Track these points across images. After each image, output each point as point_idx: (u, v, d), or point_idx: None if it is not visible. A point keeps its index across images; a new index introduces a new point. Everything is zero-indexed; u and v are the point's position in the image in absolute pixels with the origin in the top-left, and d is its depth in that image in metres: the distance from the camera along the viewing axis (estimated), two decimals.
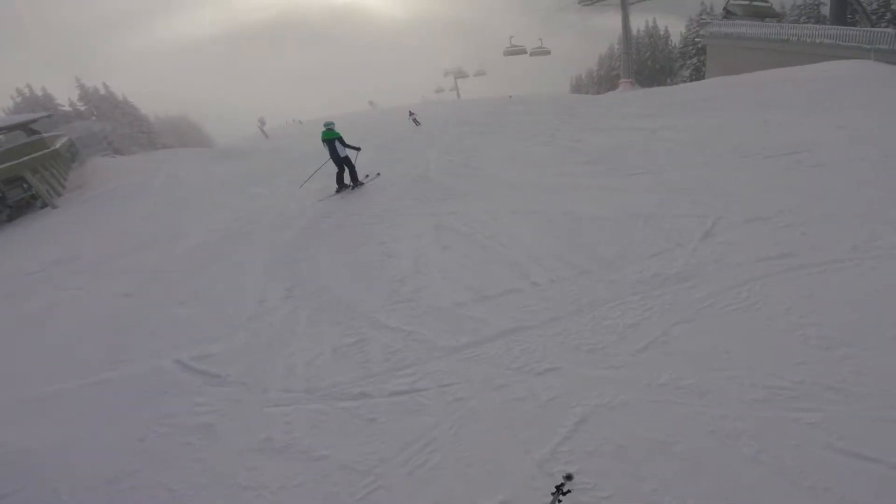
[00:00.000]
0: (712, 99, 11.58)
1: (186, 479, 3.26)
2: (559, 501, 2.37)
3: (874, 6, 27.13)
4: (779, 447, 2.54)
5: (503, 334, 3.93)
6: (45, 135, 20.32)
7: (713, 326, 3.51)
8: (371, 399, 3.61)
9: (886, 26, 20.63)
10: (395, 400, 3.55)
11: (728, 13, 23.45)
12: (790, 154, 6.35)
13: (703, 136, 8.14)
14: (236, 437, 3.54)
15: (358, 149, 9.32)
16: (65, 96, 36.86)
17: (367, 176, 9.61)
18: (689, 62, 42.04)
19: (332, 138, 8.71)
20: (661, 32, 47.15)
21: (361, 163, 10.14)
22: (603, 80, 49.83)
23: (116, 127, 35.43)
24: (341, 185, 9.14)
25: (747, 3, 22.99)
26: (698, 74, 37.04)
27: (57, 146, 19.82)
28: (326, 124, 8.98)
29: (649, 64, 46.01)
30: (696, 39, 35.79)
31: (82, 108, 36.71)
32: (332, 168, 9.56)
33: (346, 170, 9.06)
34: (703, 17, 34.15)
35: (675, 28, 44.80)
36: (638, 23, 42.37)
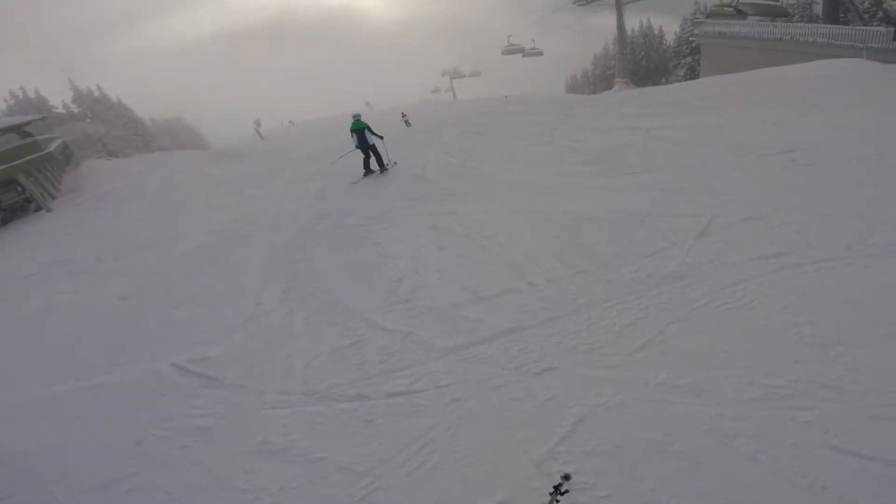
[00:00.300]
0: (708, 98, 11.63)
1: (184, 481, 3.26)
2: (557, 501, 2.37)
3: (866, 5, 27.29)
4: (776, 446, 2.56)
5: (501, 334, 3.94)
6: (38, 137, 20.17)
7: (709, 325, 3.53)
8: (368, 401, 3.61)
9: (878, 25, 20.76)
10: (392, 401, 3.55)
11: (738, 12, 23.44)
12: (786, 153, 6.38)
13: (699, 135, 8.17)
14: (234, 440, 3.53)
15: (381, 137, 10.02)
16: (58, 98, 36.61)
17: (393, 162, 10.41)
18: (683, 61, 42.14)
19: (360, 128, 9.53)
20: (656, 32, 47.30)
21: (355, 162, 10.48)
22: (598, 80, 49.91)
23: (111, 129, 35.17)
24: (368, 170, 9.96)
25: (758, 2, 22.96)
26: (693, 74, 37.05)
27: (51, 149, 19.69)
28: (354, 116, 9.80)
29: (644, 63, 46.11)
30: (691, 39, 35.86)
31: (76, 111, 36.41)
32: (324, 167, 9.64)
33: (373, 156, 9.86)
34: (697, 16, 34.28)
35: (670, 28, 44.94)
36: (632, 22, 42.44)
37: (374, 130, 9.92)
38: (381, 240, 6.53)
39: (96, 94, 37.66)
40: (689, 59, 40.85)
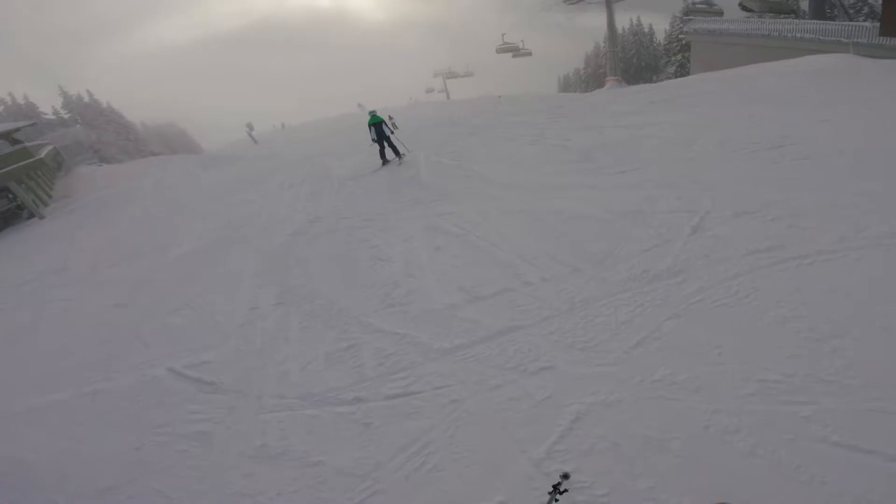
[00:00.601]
0: (697, 95, 11.68)
1: (183, 486, 3.26)
2: (556, 501, 2.36)
3: (852, 0, 27.63)
4: (775, 441, 2.56)
5: (497, 335, 3.94)
6: (28, 144, 20.02)
7: (704, 321, 3.53)
8: (366, 403, 3.61)
9: (864, 20, 21.00)
10: (390, 404, 3.55)
11: (744, 8, 23.59)
12: (776, 148, 6.42)
13: (689, 131, 8.20)
14: (232, 445, 3.53)
15: (395, 128, 11.41)
16: (48, 104, 36.35)
17: (405, 153, 11.24)
18: (673, 59, 42.38)
19: (378, 122, 10.65)
20: (646, 30, 47.60)
21: (355, 164, 11.09)
22: (590, 79, 50.13)
23: (102, 135, 34.91)
24: (385, 160, 10.92)
25: None
26: (683, 71, 37.23)
27: (41, 155, 19.54)
28: (371, 112, 11.11)
29: (635, 62, 46.38)
30: (680, 36, 36.03)
31: (66, 116, 36.12)
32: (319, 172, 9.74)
33: (389, 147, 10.95)
34: (687, 14, 34.48)
35: (659, 25, 45.23)
36: (623, 21, 42.70)
37: (369, 130, 10.83)
38: (376, 242, 6.51)
39: (86, 99, 37.37)
40: (679, 57, 41.08)
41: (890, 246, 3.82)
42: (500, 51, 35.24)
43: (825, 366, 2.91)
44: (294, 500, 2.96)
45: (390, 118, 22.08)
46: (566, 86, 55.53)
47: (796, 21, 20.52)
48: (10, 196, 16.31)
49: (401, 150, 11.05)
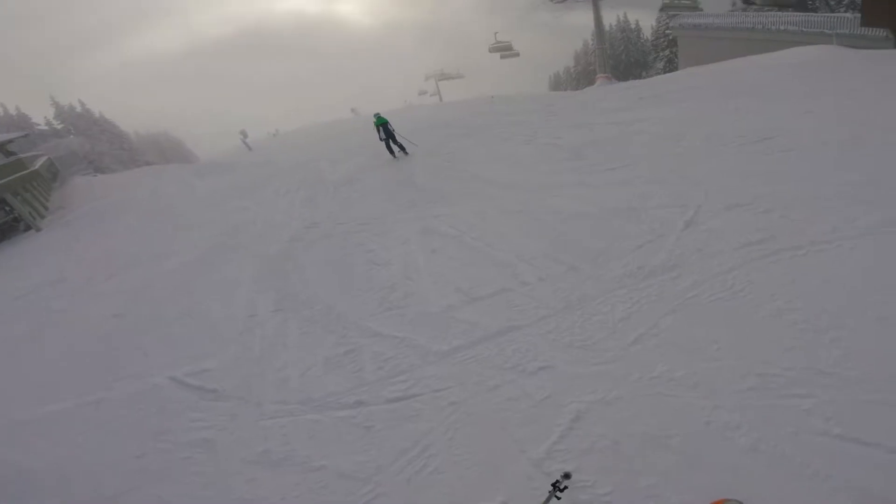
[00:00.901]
0: (685, 90, 11.74)
1: (187, 493, 3.27)
2: (558, 498, 2.37)
3: None
4: (776, 436, 2.56)
5: (495, 335, 3.95)
6: (23, 155, 19.85)
7: (701, 316, 3.55)
8: (366, 407, 3.62)
9: (845, 11, 21.03)
10: (390, 407, 3.55)
11: (747, 4, 23.65)
12: (764, 140, 6.46)
13: (678, 126, 8.24)
14: (235, 451, 3.54)
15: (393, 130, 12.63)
16: (40, 115, 36.04)
17: (405, 150, 12.41)
18: (661, 54, 42.39)
19: (384, 122, 12.19)
20: (633, 26, 47.73)
21: (349, 168, 11.74)
22: (581, 77, 50.15)
23: (96, 144, 34.71)
24: (392, 153, 12.34)
25: None
26: (671, 66, 37.18)
27: (36, 166, 19.38)
28: (376, 115, 12.58)
29: (623, 58, 46.48)
30: (667, 32, 36.07)
31: (59, 127, 35.88)
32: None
33: (394, 143, 12.35)
34: (663, 9, 34.40)
35: (646, 21, 45.29)
36: (609, 18, 42.77)
37: (362, 134, 12.05)
38: (372, 246, 6.51)
39: (79, 109, 37.16)
40: (667, 52, 41.10)
41: (880, 235, 3.85)
42: (493, 50, 35.28)
43: (823, 358, 2.91)
44: None
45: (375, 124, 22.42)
46: (557, 84, 55.58)
47: (780, 13, 20.58)
48: (7, 208, 16.10)
49: (405, 145, 12.49)
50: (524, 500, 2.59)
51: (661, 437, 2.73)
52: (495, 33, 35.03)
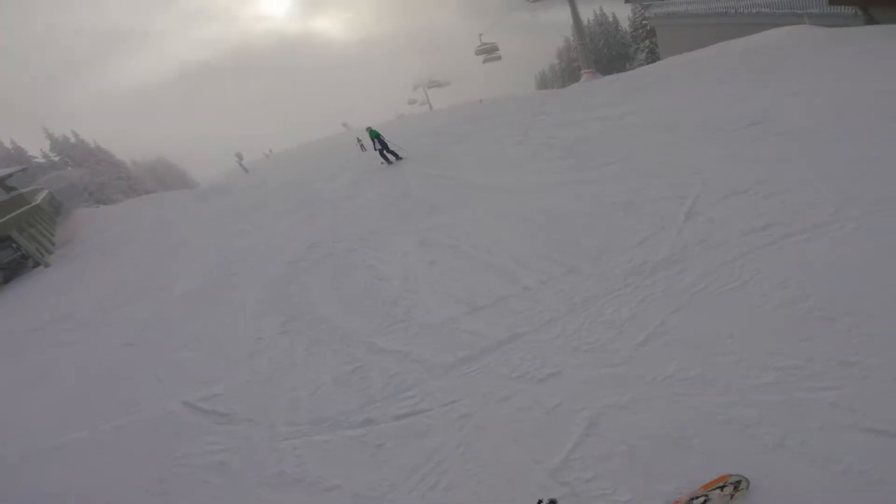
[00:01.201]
0: (669, 79, 11.69)
1: None
2: None
3: None
4: (802, 431, 2.44)
5: (500, 344, 3.88)
6: (23, 190, 19.94)
7: (710, 310, 3.46)
8: (376, 425, 3.57)
9: None
10: (400, 424, 3.50)
11: None
12: (756, 125, 6.37)
13: (667, 116, 8.18)
14: (250, 473, 3.54)
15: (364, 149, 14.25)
16: (35, 147, 36.21)
17: (398, 157, 13.69)
18: (642, 45, 42.48)
19: (377, 134, 13.77)
20: (610, 19, 47.76)
21: (344, 184, 12.09)
22: (566, 73, 50.30)
23: (94, 175, 35.02)
24: (387, 160, 13.60)
25: None
26: (653, 56, 36.91)
27: (38, 201, 19.46)
28: (368, 128, 14.41)
29: (605, 52, 46.52)
30: (643, 22, 35.94)
31: (56, 159, 36.12)
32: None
33: (388, 152, 13.76)
34: (627, 1, 34.19)
35: (622, 13, 45.32)
36: (586, 13, 42.90)
37: (355, 149, 13.22)
38: (372, 262, 6.48)
39: (73, 140, 37.46)
40: (647, 43, 41.09)
41: (882, 212, 3.77)
42: (480, 52, 35.36)
43: (842, 346, 2.80)
44: None
45: (359, 140, 23.36)
46: (543, 82, 55.80)
47: None
48: (14, 246, 16.17)
49: (399, 153, 13.72)
50: None
51: (680, 438, 2.64)
52: (480, 35, 35.11)
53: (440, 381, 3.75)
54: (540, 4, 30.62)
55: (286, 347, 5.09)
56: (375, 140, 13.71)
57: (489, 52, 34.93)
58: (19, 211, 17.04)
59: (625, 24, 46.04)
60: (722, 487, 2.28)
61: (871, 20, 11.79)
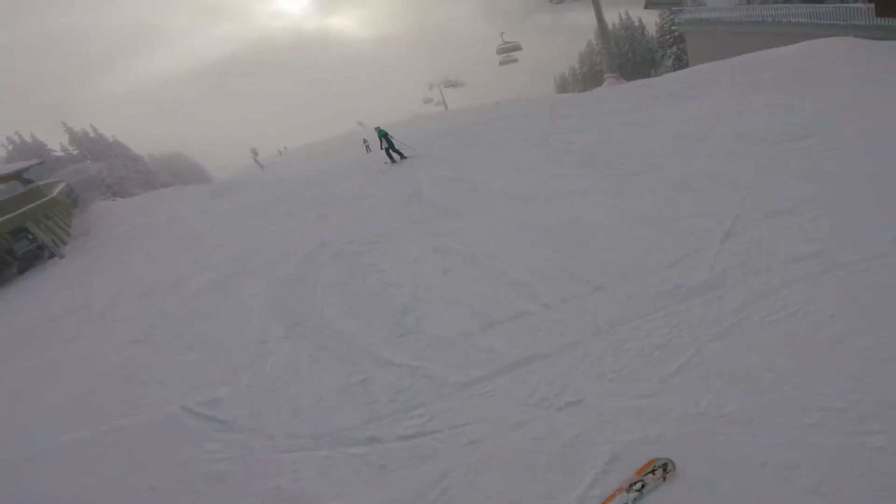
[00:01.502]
0: (701, 86, 11.31)
1: None
2: None
3: None
4: (843, 477, 2.23)
5: (516, 365, 3.61)
6: (40, 183, 20.36)
7: (751, 341, 3.17)
8: (380, 444, 3.35)
9: (857, 2, 20.26)
10: (405, 444, 3.27)
11: None
12: (798, 139, 5.99)
13: (700, 125, 7.84)
14: (247, 485, 3.39)
15: (394, 139, 14.77)
16: (55, 141, 37.05)
17: (403, 156, 14.32)
18: (669, 51, 41.75)
19: (385, 134, 14.41)
20: (636, 24, 47.04)
21: (358, 184, 12.03)
22: (587, 78, 49.78)
23: (113, 169, 35.68)
24: (392, 160, 14.23)
25: None
26: (680, 63, 36.58)
27: (54, 193, 19.84)
28: (377, 127, 15.05)
29: (630, 56, 45.88)
30: (672, 28, 35.40)
31: (75, 152, 36.89)
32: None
33: (394, 151, 14.36)
34: (647, 7, 33.86)
35: (649, 18, 44.66)
36: (611, 16, 42.35)
37: (380, 141, 14.49)
38: (383, 266, 6.27)
39: (92, 134, 38.24)
40: (674, 49, 40.41)
41: None
42: (501, 50, 35.16)
43: (894, 389, 2.53)
44: None
45: (365, 141, 24.02)
46: (563, 86, 55.32)
47: (791, 6, 19.98)
48: (30, 237, 16.50)
49: (405, 153, 14.29)
50: None
51: (710, 480, 2.40)
52: (501, 33, 34.88)
53: (450, 400, 3.49)
54: (563, 6, 30.35)
55: (290, 353, 4.90)
56: (383, 140, 14.21)
57: (511, 50, 34.73)
58: (36, 203, 17.38)
59: (651, 30, 45.36)
60: (653, 471, 2.48)
61: None
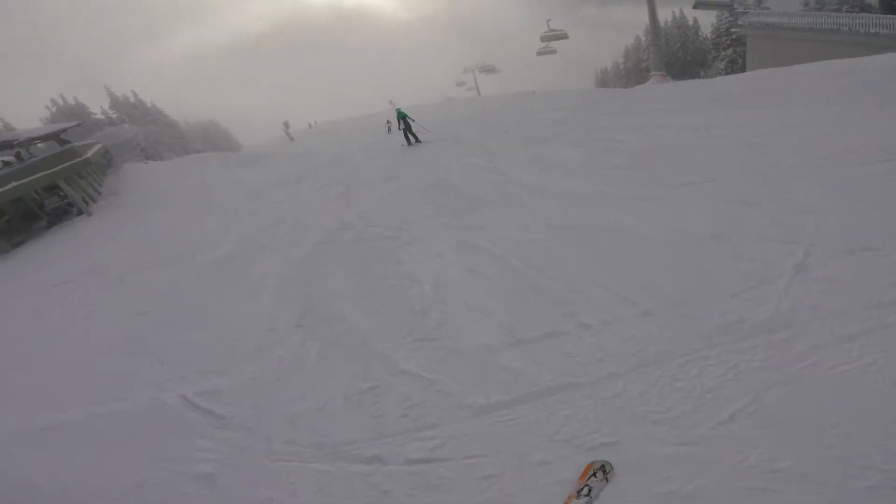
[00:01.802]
0: (760, 93, 10.39)
1: None
2: None
3: None
4: None
5: (545, 393, 3.24)
6: (77, 144, 21.13)
7: (818, 392, 2.75)
8: (385, 465, 3.06)
9: None
10: (412, 469, 2.98)
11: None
12: (885, 161, 5.25)
13: (762, 134, 7.12)
14: (236, 492, 3.18)
15: (413, 120, 15.01)
16: (96, 105, 38.40)
17: (418, 140, 14.61)
18: (723, 54, 39.64)
19: (403, 116, 14.69)
20: (690, 23, 45.02)
21: (385, 164, 11.97)
22: (631, 74, 48.06)
23: (149, 133, 36.61)
24: (408, 141, 14.56)
25: None
26: (734, 66, 35.24)
27: (88, 155, 20.48)
28: (397, 108, 15.57)
29: (680, 55, 43.92)
30: (732, 30, 33.81)
31: (114, 116, 38.13)
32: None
33: (410, 133, 14.70)
34: (696, 7, 32.06)
35: (705, 19, 42.50)
36: (664, 14, 40.51)
37: (398, 122, 14.83)
38: (403, 257, 5.95)
39: (132, 99, 39.34)
40: (729, 52, 38.49)
41: None
42: (546, 38, 34.17)
43: None
44: None
45: (388, 122, 24.45)
46: (604, 81, 53.52)
47: (868, 15, 18.53)
48: (61, 194, 17.14)
49: (420, 136, 14.52)
50: None
51: None
52: (548, 21, 33.61)
53: (466, 425, 3.17)
54: (613, 0, 29.03)
55: (298, 345, 4.65)
56: (401, 121, 14.50)
57: (557, 38, 33.64)
58: (70, 163, 18.07)
59: (706, 30, 43.21)
60: (595, 474, 2.56)
61: None
